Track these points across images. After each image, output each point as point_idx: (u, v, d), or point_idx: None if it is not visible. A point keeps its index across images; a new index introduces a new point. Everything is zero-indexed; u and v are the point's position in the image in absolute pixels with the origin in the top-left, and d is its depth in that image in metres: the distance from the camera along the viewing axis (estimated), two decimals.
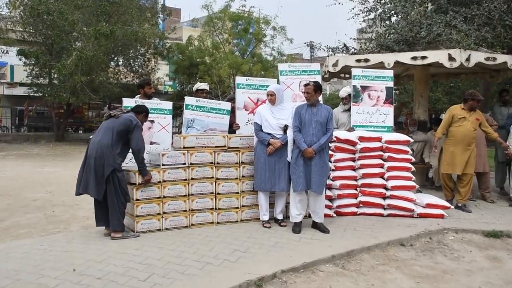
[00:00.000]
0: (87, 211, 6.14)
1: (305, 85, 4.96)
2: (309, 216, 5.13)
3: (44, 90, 18.11)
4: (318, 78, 5.89)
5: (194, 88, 6.33)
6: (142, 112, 4.79)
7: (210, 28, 21.42)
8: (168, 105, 5.46)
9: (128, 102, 5.19)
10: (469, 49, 6.44)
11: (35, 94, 20.12)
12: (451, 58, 6.35)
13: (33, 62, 18.16)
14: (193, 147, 5.03)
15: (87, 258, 3.88)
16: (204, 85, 6.36)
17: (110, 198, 4.43)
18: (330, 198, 5.55)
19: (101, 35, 15.26)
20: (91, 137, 4.82)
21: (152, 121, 5.25)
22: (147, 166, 4.74)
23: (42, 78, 18.88)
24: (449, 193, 6.31)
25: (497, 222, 5.49)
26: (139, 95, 5.58)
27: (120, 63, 20.79)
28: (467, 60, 6.36)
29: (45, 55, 17.35)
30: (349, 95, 6.40)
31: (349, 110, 6.40)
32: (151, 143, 5.26)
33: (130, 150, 4.60)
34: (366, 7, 10.19)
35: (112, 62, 20.17)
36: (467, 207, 6.08)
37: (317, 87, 4.91)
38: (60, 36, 16.25)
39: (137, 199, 4.65)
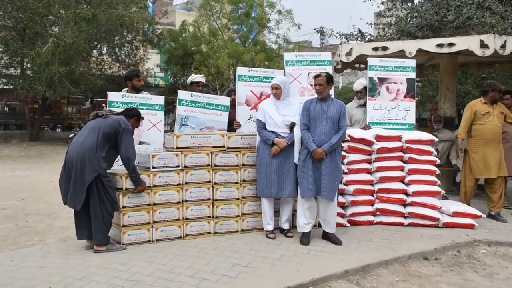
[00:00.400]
0: (65, 220, 6.19)
1: (316, 76, 4.98)
2: (319, 225, 5.16)
3: (15, 82, 18.08)
4: (329, 69, 5.91)
5: (189, 80, 6.38)
6: (133, 116, 4.82)
7: (207, 12, 21.50)
8: (160, 100, 5.50)
9: (114, 97, 5.23)
10: (505, 34, 6.43)
11: (5, 87, 20.14)
12: (483, 45, 6.35)
13: (1, 49, 17.90)
14: (188, 148, 5.06)
15: (65, 275, 3.90)
16: (200, 77, 6.40)
17: (93, 208, 4.44)
18: (343, 205, 5.58)
19: (81, 19, 15.28)
20: (71, 135, 4.85)
21: (142, 118, 5.29)
22: (138, 167, 4.76)
23: (12, 68, 18.85)
24: (466, 201, 6.28)
25: None
26: (126, 89, 5.62)
27: (104, 51, 20.85)
28: (503, 47, 6.36)
29: (16, 42, 17.08)
30: (365, 88, 6.42)
31: (364, 105, 6.42)
32: (140, 143, 5.29)
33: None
34: None
35: (94, 51, 20.24)
36: (502, 216, 6.10)
37: (330, 79, 4.94)
38: (33, 19, 16.16)
39: (123, 207, 4.69)
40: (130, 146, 4.56)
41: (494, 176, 6.10)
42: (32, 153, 15.36)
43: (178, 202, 4.97)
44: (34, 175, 10.53)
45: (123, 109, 4.92)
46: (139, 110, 5.04)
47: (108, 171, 4.62)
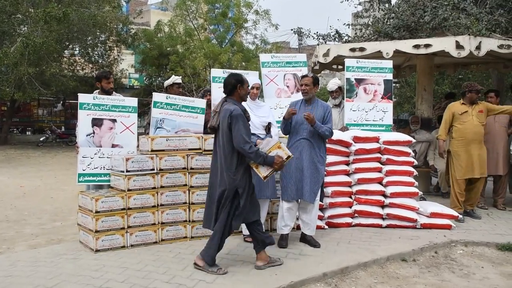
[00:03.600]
0: (35, 227, 6.09)
1: (303, 76, 5.00)
2: (298, 228, 5.19)
3: None
4: (305, 71, 5.96)
5: (169, 81, 6.28)
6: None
7: (183, 12, 21.42)
8: (133, 102, 5.45)
9: (85, 98, 5.17)
10: (479, 36, 6.58)
11: None
12: (459, 46, 6.49)
13: None
14: (163, 150, 5.04)
15: (35, 284, 3.83)
16: (179, 79, 6.38)
17: None
18: (321, 208, 5.60)
19: (51, 18, 15.07)
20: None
21: (114, 121, 5.25)
22: (111, 171, 4.68)
23: None
24: (460, 205, 6.26)
25: None
26: (98, 90, 5.56)
27: (76, 52, 20.61)
28: (478, 48, 6.51)
29: None
30: (339, 88, 6.48)
31: (339, 105, 6.48)
32: (113, 145, 5.24)
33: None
34: None
35: (66, 51, 19.99)
36: (476, 213, 6.28)
37: (316, 80, 4.95)
38: (0, 18, 15.93)
39: (96, 212, 4.64)
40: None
41: (478, 176, 6.22)
42: (0, 157, 15.04)
43: (154, 206, 4.93)
44: (3, 180, 10.32)
45: None
46: (112, 112, 5.00)
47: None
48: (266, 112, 5.06)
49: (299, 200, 4.91)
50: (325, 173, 5.19)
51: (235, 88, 4.21)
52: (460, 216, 5.92)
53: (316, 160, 4.86)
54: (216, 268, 4.07)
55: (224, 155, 4.09)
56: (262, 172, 4.15)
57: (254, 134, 4.99)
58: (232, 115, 4.02)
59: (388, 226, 5.68)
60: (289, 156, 4.24)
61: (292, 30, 26.76)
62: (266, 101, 5.94)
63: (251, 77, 5.05)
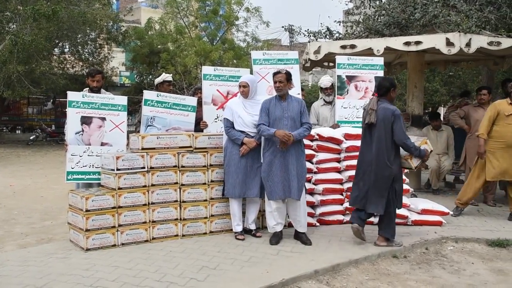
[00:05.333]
0: (25, 226, 6.05)
1: (275, 73, 4.97)
2: (290, 225, 5.20)
3: None
4: (296, 68, 5.96)
5: (159, 79, 6.26)
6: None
7: (173, 9, 21.32)
8: (122, 100, 5.42)
9: (74, 96, 5.14)
10: (469, 33, 6.60)
11: None
12: (449, 43, 6.51)
13: None
14: (154, 148, 5.02)
15: (24, 283, 3.81)
16: (170, 76, 6.36)
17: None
18: (312, 205, 5.63)
19: (41, 15, 14.91)
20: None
21: (104, 119, 5.22)
22: (102, 169, 4.64)
23: None
24: (465, 203, 6.23)
25: (503, 229, 5.67)
26: (87, 88, 5.53)
27: (66, 50, 20.49)
28: (468, 45, 6.51)
29: None
30: (332, 84, 6.49)
31: (331, 102, 6.49)
32: (102, 144, 5.22)
33: None
34: None
35: (56, 49, 19.86)
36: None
37: (289, 76, 4.96)
38: None
39: (87, 210, 4.61)
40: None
41: (509, 179, 5.97)
42: None
43: (144, 205, 4.92)
44: None
45: None
46: (101, 110, 4.98)
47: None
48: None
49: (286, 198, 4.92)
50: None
51: (389, 90, 4.86)
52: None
53: (299, 155, 4.89)
54: (398, 240, 4.94)
55: (386, 147, 4.75)
56: (414, 163, 4.89)
57: (243, 132, 5.00)
58: (394, 114, 4.71)
59: None
60: (431, 150, 5.03)
61: (283, 27, 26.71)
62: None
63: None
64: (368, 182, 4.82)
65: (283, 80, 4.88)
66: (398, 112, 4.73)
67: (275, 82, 4.95)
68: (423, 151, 4.82)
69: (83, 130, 5.12)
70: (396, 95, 5.04)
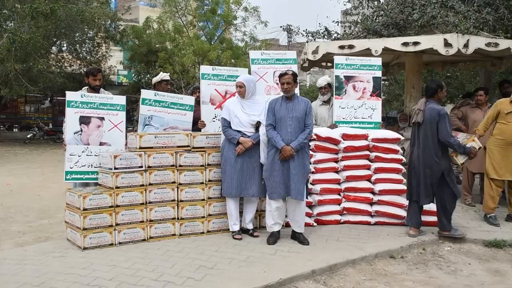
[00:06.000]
0: (22, 225, 6.03)
1: (282, 74, 4.99)
2: (287, 225, 5.20)
3: None
4: (294, 68, 5.97)
5: (157, 78, 6.23)
6: None
7: (171, 9, 21.31)
8: (121, 100, 5.41)
9: (73, 96, 5.13)
10: (467, 34, 6.62)
11: None
12: (447, 44, 6.53)
13: None
14: (151, 148, 5.02)
15: (21, 282, 3.80)
16: (167, 76, 6.35)
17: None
18: (310, 205, 5.63)
19: (39, 14, 14.91)
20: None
21: (102, 119, 5.21)
22: (99, 169, 4.64)
23: None
24: (493, 204, 5.99)
25: (500, 230, 5.68)
26: (86, 87, 5.53)
27: (64, 48, 20.43)
28: (466, 46, 6.54)
29: None
30: (329, 84, 6.50)
31: (328, 102, 6.50)
32: (101, 143, 5.21)
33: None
34: None
35: (54, 47, 19.78)
36: None
37: (296, 76, 4.99)
38: None
39: (84, 209, 4.61)
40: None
41: (510, 178, 5.97)
42: None
43: (142, 204, 4.91)
44: None
45: None
46: (100, 110, 4.98)
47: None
48: (258, 110, 5.06)
49: (286, 198, 4.93)
50: (310, 168, 5.21)
51: (436, 92, 5.26)
52: (493, 215, 5.85)
53: (303, 156, 4.90)
54: (460, 230, 5.33)
55: (433, 145, 5.11)
56: (460, 159, 5.17)
57: (240, 132, 5.00)
58: (440, 114, 5.05)
59: (376, 224, 5.71)
60: (480, 147, 5.27)
61: (281, 27, 26.80)
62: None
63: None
64: (418, 176, 5.23)
65: (290, 81, 4.89)
66: (444, 112, 5.06)
67: (282, 84, 4.95)
68: (468, 149, 5.10)
69: (81, 130, 5.10)
70: (444, 96, 5.38)
